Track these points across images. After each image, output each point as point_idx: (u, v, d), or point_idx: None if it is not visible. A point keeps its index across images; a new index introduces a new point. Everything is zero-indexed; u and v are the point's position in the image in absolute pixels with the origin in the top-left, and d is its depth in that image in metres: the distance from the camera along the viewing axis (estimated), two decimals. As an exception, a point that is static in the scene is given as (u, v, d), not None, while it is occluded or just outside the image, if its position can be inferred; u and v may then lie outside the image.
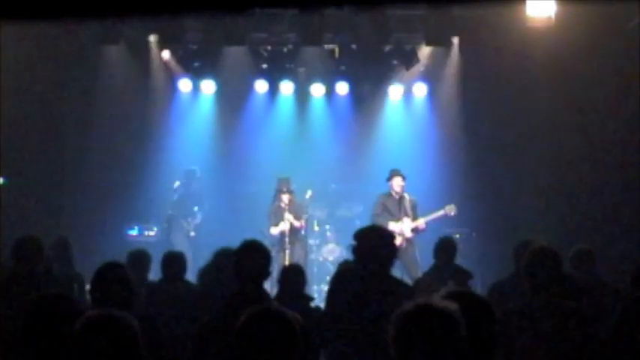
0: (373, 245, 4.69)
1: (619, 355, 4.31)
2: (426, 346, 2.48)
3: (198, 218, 10.72)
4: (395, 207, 9.48)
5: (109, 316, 2.83)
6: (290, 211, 9.96)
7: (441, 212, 9.59)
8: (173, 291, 5.66)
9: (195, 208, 10.68)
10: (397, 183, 9.51)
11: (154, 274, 6.52)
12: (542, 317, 4.14)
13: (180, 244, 9.79)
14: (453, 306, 2.54)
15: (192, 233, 10.60)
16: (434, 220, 9.64)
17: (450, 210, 9.57)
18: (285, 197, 9.97)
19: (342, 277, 4.97)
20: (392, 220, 9.39)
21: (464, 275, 6.50)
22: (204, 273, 5.53)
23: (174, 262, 5.94)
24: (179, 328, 4.87)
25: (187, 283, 5.94)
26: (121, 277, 4.09)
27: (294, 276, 5.44)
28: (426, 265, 9.19)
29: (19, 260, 5.47)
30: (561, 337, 4.13)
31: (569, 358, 4.13)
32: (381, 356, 4.09)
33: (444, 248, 6.59)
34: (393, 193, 9.54)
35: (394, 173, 9.58)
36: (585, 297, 5.00)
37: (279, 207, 10.02)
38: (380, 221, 9.16)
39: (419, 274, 8.77)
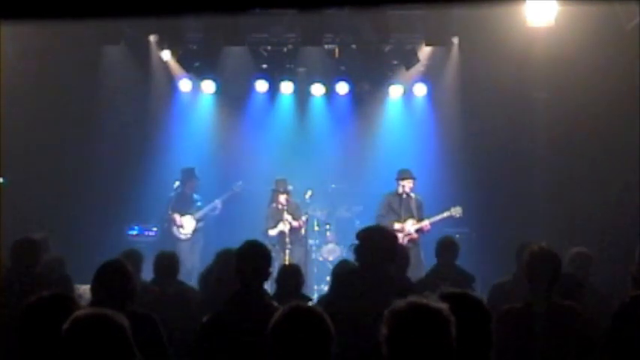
0: (376, 245, 4.69)
1: (616, 354, 4.31)
2: (417, 345, 2.49)
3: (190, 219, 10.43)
4: (400, 207, 9.44)
5: (98, 315, 2.83)
6: (288, 212, 9.97)
7: (446, 214, 9.56)
8: (163, 291, 5.65)
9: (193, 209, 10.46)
10: (407, 185, 9.45)
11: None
12: (540, 317, 4.15)
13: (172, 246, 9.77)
14: (443, 305, 2.56)
15: (184, 236, 10.33)
16: (438, 222, 9.62)
17: (456, 212, 9.54)
18: (283, 198, 9.99)
19: (344, 276, 4.98)
20: (397, 220, 9.38)
21: (466, 279, 6.44)
22: (206, 275, 5.52)
23: (165, 262, 5.94)
24: (167, 327, 4.87)
25: (179, 283, 5.93)
26: (122, 275, 4.12)
27: (292, 276, 5.46)
28: (430, 265, 9.17)
29: (15, 261, 5.48)
30: (559, 336, 4.14)
31: (567, 358, 4.13)
32: (382, 356, 4.10)
33: (446, 248, 6.54)
34: (400, 192, 9.50)
35: (406, 175, 9.50)
36: (584, 297, 5.00)
37: (277, 208, 10.03)
38: (385, 222, 9.15)
39: (423, 274, 8.76)
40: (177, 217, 10.32)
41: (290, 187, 10.12)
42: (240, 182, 10.52)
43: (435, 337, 2.50)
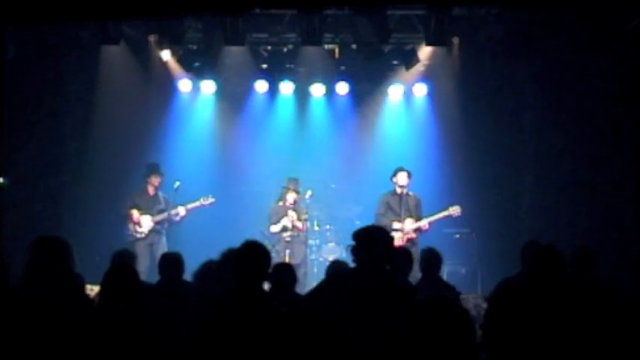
0: (371, 245, 4.70)
1: (618, 353, 4.32)
2: (443, 339, 2.50)
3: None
4: (398, 206, 9.44)
5: None
6: (294, 210, 9.98)
7: (444, 213, 9.56)
8: (171, 292, 5.65)
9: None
10: (402, 178, 9.45)
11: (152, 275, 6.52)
12: (542, 315, 4.16)
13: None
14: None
15: (139, 235, 9.88)
16: (437, 221, 9.61)
17: (454, 211, 9.54)
18: (291, 196, 9.99)
19: (340, 276, 4.98)
20: (395, 219, 9.38)
21: (449, 291, 6.40)
22: (201, 274, 5.50)
23: (168, 262, 5.95)
24: (177, 328, 4.88)
25: (185, 283, 5.94)
26: (131, 276, 4.15)
27: (284, 274, 5.46)
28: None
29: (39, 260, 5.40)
30: (561, 335, 4.15)
31: (568, 356, 4.14)
32: (379, 355, 4.11)
33: (427, 260, 6.47)
34: (398, 191, 9.50)
35: (399, 169, 9.54)
36: (586, 296, 5.01)
37: (283, 206, 10.02)
38: (384, 221, 9.19)
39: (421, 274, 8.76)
40: (135, 213, 9.92)
41: (300, 190, 10.12)
42: (210, 196, 10.12)
43: (462, 333, 2.52)
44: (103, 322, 4.02)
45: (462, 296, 6.75)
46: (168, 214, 9.96)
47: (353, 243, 4.77)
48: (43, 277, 4.95)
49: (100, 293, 4.23)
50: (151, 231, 9.91)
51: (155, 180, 10.06)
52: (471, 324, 2.61)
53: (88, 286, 7.61)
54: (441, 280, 6.47)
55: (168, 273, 5.87)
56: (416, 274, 6.57)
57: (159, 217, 9.95)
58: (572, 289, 4.62)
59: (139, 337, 3.91)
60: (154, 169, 10.13)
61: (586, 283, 5.49)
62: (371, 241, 4.71)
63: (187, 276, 6.01)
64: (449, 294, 6.03)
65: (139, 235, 9.86)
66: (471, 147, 11.05)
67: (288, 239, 9.85)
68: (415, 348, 2.59)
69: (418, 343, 2.58)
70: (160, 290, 5.76)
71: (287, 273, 5.49)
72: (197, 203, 10.09)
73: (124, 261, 5.94)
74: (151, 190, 10.08)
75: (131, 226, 9.92)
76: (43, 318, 3.98)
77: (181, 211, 9.99)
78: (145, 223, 9.91)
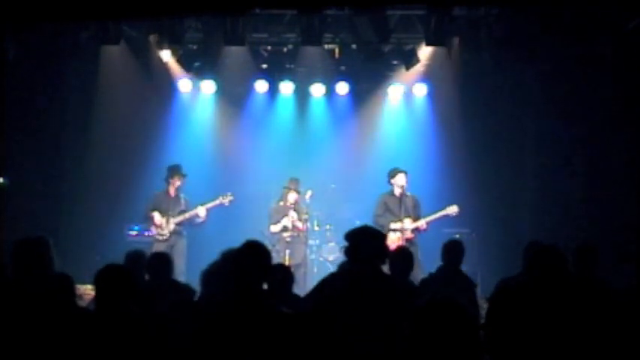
0: (364, 246, 4.71)
1: (618, 353, 4.32)
2: (447, 340, 2.50)
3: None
4: (397, 206, 9.45)
5: None
6: (295, 210, 9.98)
7: (442, 213, 9.56)
8: (159, 290, 5.65)
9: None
10: (402, 180, 9.46)
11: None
12: (544, 315, 4.16)
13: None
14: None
15: (160, 237, 9.72)
16: (435, 221, 9.62)
17: (452, 210, 9.54)
18: (292, 196, 9.98)
19: (333, 277, 5.00)
20: (394, 220, 9.39)
21: (468, 283, 6.43)
22: (209, 275, 5.51)
23: (157, 262, 5.95)
24: (170, 327, 4.87)
25: (173, 282, 5.94)
26: (122, 278, 4.14)
27: (281, 275, 5.45)
28: (429, 265, 9.19)
29: (19, 263, 5.42)
30: (562, 335, 4.14)
31: (570, 356, 4.14)
32: (375, 355, 4.10)
33: (449, 251, 6.53)
34: (396, 192, 9.51)
35: (397, 171, 9.54)
36: (587, 296, 5.01)
37: (283, 205, 10.02)
38: (382, 221, 9.22)
39: (420, 274, 8.77)
40: (156, 216, 9.77)
41: (301, 190, 10.11)
42: (230, 194, 9.97)
43: (465, 334, 2.52)
44: (83, 323, 4.03)
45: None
46: (189, 216, 9.81)
47: (346, 244, 4.79)
48: (21, 279, 4.99)
49: (96, 294, 4.22)
50: (172, 233, 9.76)
51: (177, 181, 9.89)
52: (475, 326, 2.60)
53: (89, 287, 7.66)
54: (459, 271, 6.46)
55: (156, 272, 5.87)
56: (416, 274, 6.58)
57: (179, 219, 9.79)
58: (573, 289, 4.62)
59: (135, 338, 3.90)
60: (176, 170, 9.95)
61: (587, 282, 5.48)
62: (361, 241, 4.73)
63: (189, 277, 6.03)
64: (463, 287, 6.06)
65: (160, 237, 9.70)
66: (471, 147, 11.06)
67: (288, 239, 9.86)
68: (418, 349, 2.58)
69: (421, 345, 2.58)
70: (149, 289, 5.74)
71: (283, 274, 5.48)
72: (217, 202, 9.89)
73: (132, 259, 5.96)
74: (172, 192, 9.90)
75: (153, 228, 9.80)
76: (22, 319, 4.00)
77: (201, 211, 9.79)
78: (167, 225, 9.76)
